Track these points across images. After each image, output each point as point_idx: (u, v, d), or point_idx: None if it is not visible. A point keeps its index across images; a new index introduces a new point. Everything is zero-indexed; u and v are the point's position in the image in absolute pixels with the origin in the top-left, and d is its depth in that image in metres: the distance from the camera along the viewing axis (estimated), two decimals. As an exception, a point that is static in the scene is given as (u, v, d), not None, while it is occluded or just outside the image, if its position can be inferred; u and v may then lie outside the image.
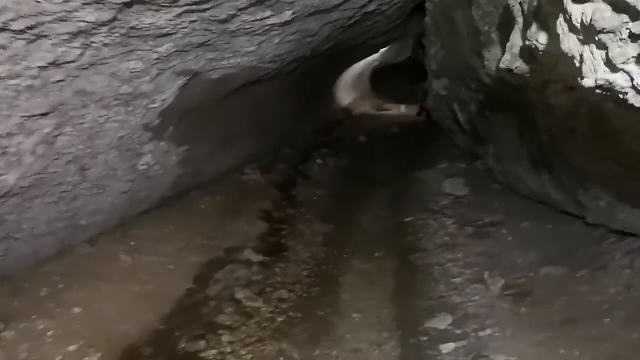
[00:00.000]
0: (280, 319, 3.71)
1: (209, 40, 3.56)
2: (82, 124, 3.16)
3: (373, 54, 12.83)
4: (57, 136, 3.04)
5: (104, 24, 2.69)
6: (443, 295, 4.10)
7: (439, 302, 4.01)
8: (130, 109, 3.51)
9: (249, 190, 6.65)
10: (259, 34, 3.97)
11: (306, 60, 5.99)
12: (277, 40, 4.28)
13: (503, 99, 4.83)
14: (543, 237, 5.11)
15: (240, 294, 3.98)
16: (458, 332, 3.49)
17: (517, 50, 2.37)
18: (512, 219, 5.74)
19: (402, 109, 14.41)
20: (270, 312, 3.79)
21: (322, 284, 4.29)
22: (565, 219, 5.06)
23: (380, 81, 16.41)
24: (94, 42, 2.70)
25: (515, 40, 2.37)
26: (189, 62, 3.66)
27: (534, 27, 2.09)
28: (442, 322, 3.64)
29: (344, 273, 4.53)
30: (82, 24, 2.57)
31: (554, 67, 2.10)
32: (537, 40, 2.05)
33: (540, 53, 2.09)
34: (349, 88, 13.58)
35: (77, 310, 3.49)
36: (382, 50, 13.86)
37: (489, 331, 3.41)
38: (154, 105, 3.73)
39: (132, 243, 4.70)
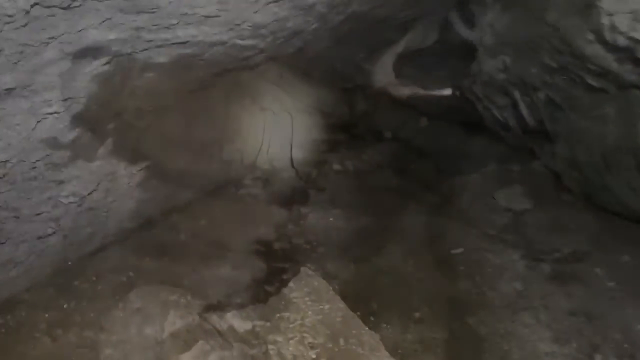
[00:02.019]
0: None
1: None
2: None
3: (399, 36, 11.13)
4: None
5: None
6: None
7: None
8: (-7, 118, 2.04)
9: (245, 209, 5.16)
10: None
11: (309, 37, 4.38)
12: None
13: (606, 80, 3.20)
14: (661, 282, 3.56)
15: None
16: None
17: None
18: (602, 248, 4.15)
19: (430, 95, 12.77)
20: None
21: (338, 381, 2.78)
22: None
23: (405, 67, 14.84)
24: None
25: None
26: (94, 33, 2.12)
27: None
28: None
29: (372, 354, 3.00)
30: None
31: None
32: None
33: None
34: (370, 75, 11.94)
35: None
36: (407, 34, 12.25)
37: None
38: (49, 110, 2.25)
39: (65, 306, 3.28)
